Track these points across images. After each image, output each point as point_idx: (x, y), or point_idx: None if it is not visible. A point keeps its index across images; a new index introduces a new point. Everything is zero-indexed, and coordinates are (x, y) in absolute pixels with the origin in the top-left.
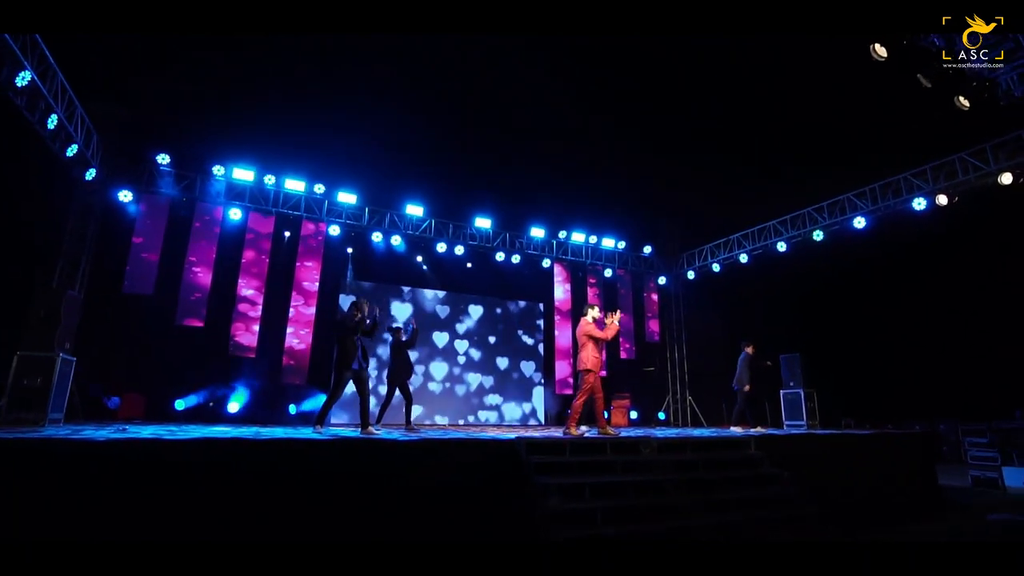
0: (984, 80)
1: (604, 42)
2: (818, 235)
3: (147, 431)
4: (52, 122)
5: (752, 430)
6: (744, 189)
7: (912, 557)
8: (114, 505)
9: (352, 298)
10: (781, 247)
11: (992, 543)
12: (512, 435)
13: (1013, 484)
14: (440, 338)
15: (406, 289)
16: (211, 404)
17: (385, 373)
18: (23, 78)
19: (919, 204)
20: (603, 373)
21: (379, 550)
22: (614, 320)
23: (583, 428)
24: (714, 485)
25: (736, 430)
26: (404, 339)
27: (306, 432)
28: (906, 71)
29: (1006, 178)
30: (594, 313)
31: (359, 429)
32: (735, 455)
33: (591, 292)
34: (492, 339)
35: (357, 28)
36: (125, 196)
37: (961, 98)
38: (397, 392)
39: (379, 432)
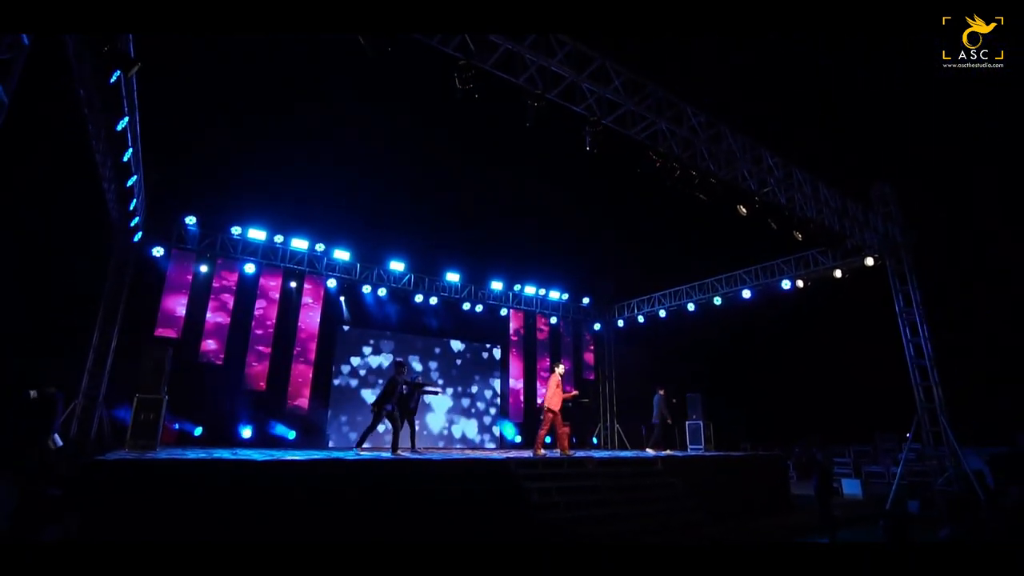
0: (810, 222)
1: (558, 145)
2: (717, 300)
3: (258, 455)
4: (132, 205)
5: (662, 452)
6: (663, 259)
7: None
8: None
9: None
10: (691, 307)
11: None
12: (500, 455)
13: (849, 492)
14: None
15: (389, 333)
16: (227, 431)
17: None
18: (130, 181)
19: (786, 284)
20: None
21: (419, 531)
22: (558, 391)
23: (543, 451)
24: (633, 488)
25: (650, 451)
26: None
27: (350, 454)
28: (762, 218)
29: (837, 273)
30: (560, 370)
31: (391, 452)
32: (647, 469)
33: (540, 335)
34: (457, 374)
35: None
36: (158, 251)
37: (797, 233)
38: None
39: (403, 454)
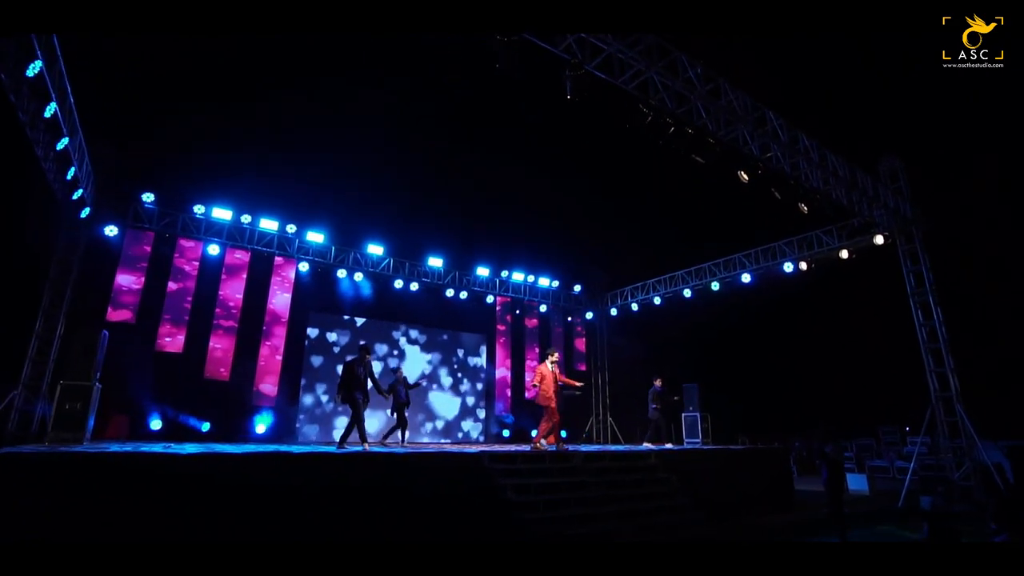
0: (816, 193)
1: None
2: (715, 285)
3: (189, 448)
4: (70, 174)
5: (659, 446)
6: (659, 243)
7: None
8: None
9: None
10: (687, 293)
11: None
12: (474, 450)
13: (854, 487)
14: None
15: (364, 320)
16: (186, 423)
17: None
18: (61, 144)
19: (788, 267)
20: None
21: (383, 531)
22: (550, 380)
23: (543, 443)
24: (622, 485)
25: (647, 445)
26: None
27: (332, 448)
28: (765, 187)
29: (844, 253)
30: (553, 358)
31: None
32: (639, 464)
33: (528, 324)
34: (442, 365)
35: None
36: (111, 231)
37: (802, 205)
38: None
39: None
